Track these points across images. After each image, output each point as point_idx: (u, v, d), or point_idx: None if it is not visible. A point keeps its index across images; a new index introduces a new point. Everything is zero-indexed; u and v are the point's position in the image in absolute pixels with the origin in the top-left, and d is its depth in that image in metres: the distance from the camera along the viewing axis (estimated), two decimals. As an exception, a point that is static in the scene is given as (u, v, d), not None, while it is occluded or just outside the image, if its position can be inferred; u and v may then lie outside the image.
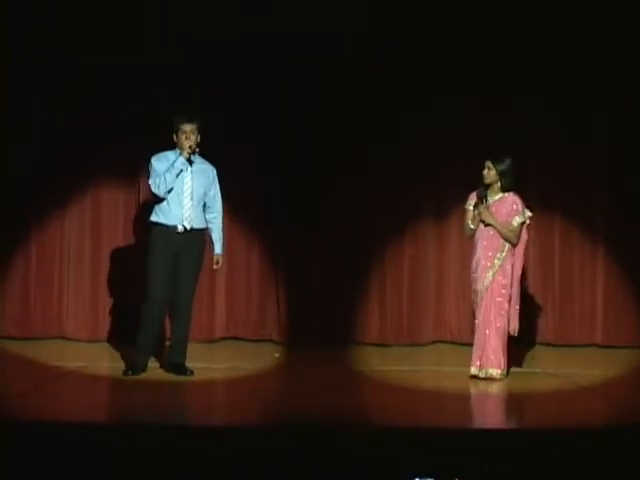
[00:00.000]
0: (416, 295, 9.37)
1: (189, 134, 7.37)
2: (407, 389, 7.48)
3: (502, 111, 9.09)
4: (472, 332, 7.75)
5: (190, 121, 7.38)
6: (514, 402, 7.37)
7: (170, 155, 7.46)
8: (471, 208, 7.69)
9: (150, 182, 7.42)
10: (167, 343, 8.08)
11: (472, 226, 7.65)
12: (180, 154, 7.35)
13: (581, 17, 9.01)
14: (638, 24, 8.96)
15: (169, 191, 7.41)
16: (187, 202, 7.44)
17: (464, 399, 7.34)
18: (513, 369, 7.92)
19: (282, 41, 8.99)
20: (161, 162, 7.43)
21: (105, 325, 9.19)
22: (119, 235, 9.26)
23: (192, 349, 7.73)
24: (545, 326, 9.32)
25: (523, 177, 8.86)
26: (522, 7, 8.94)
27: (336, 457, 5.53)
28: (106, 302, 9.20)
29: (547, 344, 9.20)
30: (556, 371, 8.16)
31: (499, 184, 7.61)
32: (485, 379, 7.53)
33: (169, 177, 7.33)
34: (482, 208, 7.57)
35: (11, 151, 9.07)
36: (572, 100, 9.14)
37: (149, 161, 7.51)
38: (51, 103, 9.05)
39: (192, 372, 7.57)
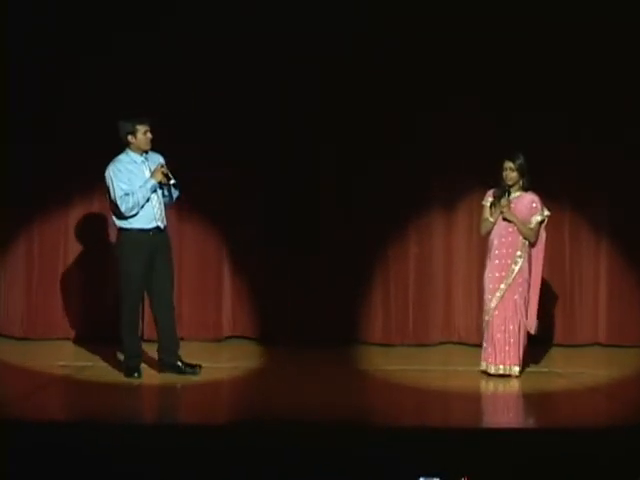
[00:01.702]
0: (422, 295, 9.35)
1: (149, 133, 7.54)
2: (413, 388, 7.52)
3: (503, 111, 9.09)
4: (480, 331, 7.80)
5: (145, 122, 7.54)
6: (521, 402, 7.42)
7: (124, 159, 7.56)
8: (488, 204, 7.75)
9: (119, 203, 7.46)
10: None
11: (491, 219, 7.71)
12: (152, 175, 7.49)
13: (581, 17, 9.01)
14: (638, 24, 8.97)
15: None
16: (155, 202, 7.56)
17: (471, 398, 7.37)
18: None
19: (282, 41, 9.00)
20: (122, 174, 7.49)
21: (108, 326, 8.92)
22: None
23: (197, 348, 7.82)
24: (552, 326, 9.27)
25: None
26: (522, 7, 8.95)
27: (340, 457, 5.55)
28: (109, 303, 8.97)
29: (554, 344, 9.20)
30: (562, 370, 8.20)
31: (520, 183, 7.70)
32: (503, 376, 7.59)
33: (142, 201, 7.46)
34: (504, 202, 7.63)
35: (12, 151, 9.07)
36: (576, 100, 9.14)
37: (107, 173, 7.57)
38: (51, 103, 9.08)
39: (194, 371, 7.59)
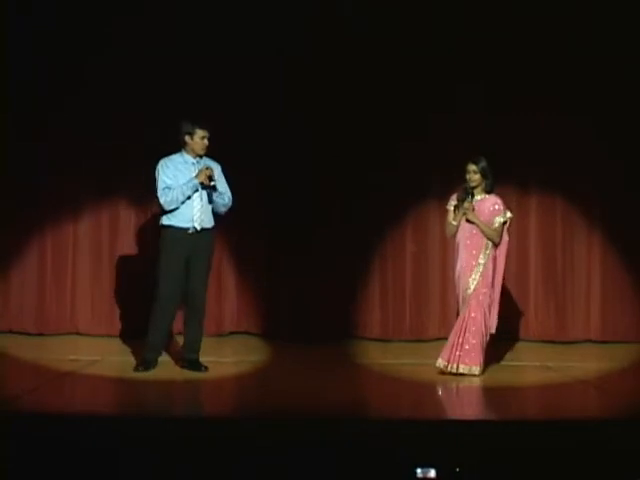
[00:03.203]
0: (419, 292, 9.39)
1: (206, 140, 7.64)
2: (410, 382, 7.61)
3: (502, 110, 9.21)
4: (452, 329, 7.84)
5: (205, 127, 7.64)
6: (510, 394, 7.43)
7: (176, 158, 7.66)
8: (451, 208, 7.82)
9: (159, 194, 7.58)
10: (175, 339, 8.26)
11: (454, 222, 7.77)
12: (196, 175, 7.55)
13: (583, 15, 9.11)
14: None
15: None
16: (197, 203, 7.62)
17: (462, 391, 7.50)
18: (513, 362, 8.22)
19: (282, 40, 9.07)
20: (169, 169, 7.59)
21: (118, 321, 9.26)
22: (132, 233, 9.31)
23: (202, 342, 7.81)
24: (544, 322, 9.38)
25: (525, 173, 9.29)
26: (522, 6, 9.05)
27: (339, 448, 5.61)
28: (119, 298, 9.27)
29: (546, 341, 9.27)
30: (554, 364, 8.25)
31: (483, 185, 7.77)
32: (463, 375, 7.62)
33: (182, 197, 7.55)
34: (467, 205, 7.69)
35: (25, 148, 9.11)
36: (573, 100, 9.22)
37: (157, 167, 7.68)
38: (60, 105, 9.17)
39: (207, 368, 7.68)
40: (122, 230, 9.34)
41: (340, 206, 9.31)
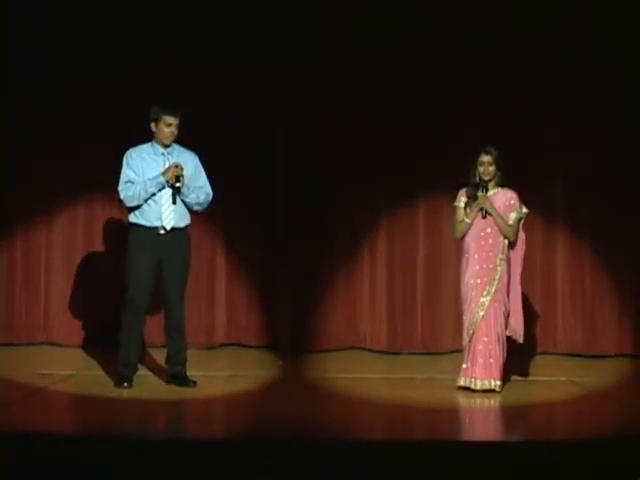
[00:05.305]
0: (432, 300, 9.18)
1: (173, 127, 7.27)
2: (419, 399, 7.34)
3: (518, 116, 8.99)
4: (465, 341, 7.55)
5: (173, 114, 7.26)
6: (534, 412, 7.20)
7: (145, 149, 7.33)
8: (462, 205, 7.56)
9: (120, 189, 7.26)
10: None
11: (468, 220, 7.49)
12: (164, 172, 7.19)
13: (583, 15, 8.95)
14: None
15: None
16: (165, 200, 7.25)
17: (481, 410, 7.27)
18: (536, 378, 8.07)
19: (282, 37, 8.96)
20: (134, 161, 7.26)
21: (96, 330, 9.10)
22: (112, 232, 9.08)
23: (191, 355, 7.60)
24: (574, 333, 9.18)
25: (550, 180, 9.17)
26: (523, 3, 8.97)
27: (339, 474, 5.45)
28: (97, 304, 9.10)
29: (574, 354, 9.10)
30: (581, 380, 8.06)
31: (496, 178, 7.53)
32: (487, 391, 7.35)
33: (144, 195, 7.20)
34: (482, 198, 7.40)
35: None
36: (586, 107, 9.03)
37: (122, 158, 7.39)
38: (42, 104, 9.01)
39: (195, 383, 7.36)
40: (100, 229, 9.17)
41: (342, 206, 9.14)
